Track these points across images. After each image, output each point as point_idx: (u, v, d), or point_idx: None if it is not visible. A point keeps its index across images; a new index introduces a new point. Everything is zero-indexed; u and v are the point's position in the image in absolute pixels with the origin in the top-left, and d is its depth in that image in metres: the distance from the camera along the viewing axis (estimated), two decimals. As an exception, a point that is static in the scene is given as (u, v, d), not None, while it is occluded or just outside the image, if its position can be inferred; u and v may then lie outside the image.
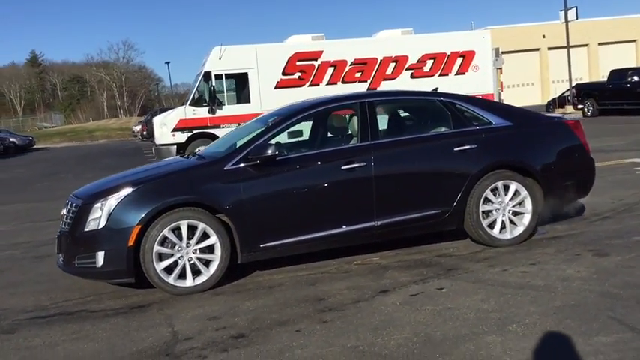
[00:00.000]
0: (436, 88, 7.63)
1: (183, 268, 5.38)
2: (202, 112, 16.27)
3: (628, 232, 6.28)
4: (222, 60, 16.32)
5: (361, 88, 17.16)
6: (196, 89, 16.75)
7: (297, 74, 16.87)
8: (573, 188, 6.56)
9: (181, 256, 5.36)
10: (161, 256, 5.32)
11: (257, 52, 16.70)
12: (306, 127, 6.52)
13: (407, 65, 17.69)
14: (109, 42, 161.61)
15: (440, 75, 17.82)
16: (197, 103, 16.41)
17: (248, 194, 5.50)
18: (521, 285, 4.90)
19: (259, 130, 5.91)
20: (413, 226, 6.00)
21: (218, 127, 16.11)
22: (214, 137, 15.00)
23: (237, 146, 5.80)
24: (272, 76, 16.63)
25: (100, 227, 5.28)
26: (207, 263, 5.44)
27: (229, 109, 16.34)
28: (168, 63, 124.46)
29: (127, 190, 5.38)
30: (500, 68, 18.88)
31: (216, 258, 5.44)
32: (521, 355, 3.63)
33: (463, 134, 6.18)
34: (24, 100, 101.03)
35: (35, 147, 44.30)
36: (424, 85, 17.30)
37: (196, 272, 5.41)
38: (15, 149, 38.93)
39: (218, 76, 16.35)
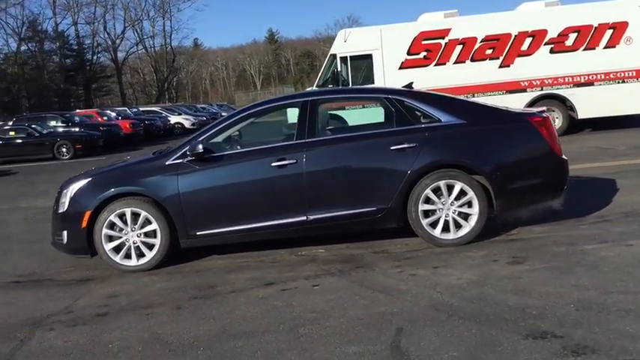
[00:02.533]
0: (410, 83, 7.44)
1: (130, 249, 6.21)
2: (328, 93, 16.90)
3: (590, 240, 5.81)
4: (347, 43, 16.73)
5: (492, 66, 16.46)
6: (322, 71, 17.41)
7: (423, 54, 16.68)
8: (536, 190, 6.19)
9: (127, 239, 6.19)
10: (111, 238, 6.19)
11: (382, 33, 16.83)
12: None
13: (545, 40, 16.52)
14: (335, 17, 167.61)
15: (585, 49, 16.38)
16: (323, 85, 17.05)
17: (184, 187, 6.13)
18: (384, 289, 4.95)
19: (205, 128, 6.50)
20: (347, 222, 6.17)
21: (343, 108, 16.63)
22: (340, 119, 15.60)
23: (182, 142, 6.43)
24: (396, 57, 16.66)
25: (64, 210, 6.30)
26: (151, 247, 6.20)
27: (353, 91, 16.78)
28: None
29: (85, 180, 6.35)
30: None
31: (157, 242, 6.18)
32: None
33: (403, 132, 6.15)
34: (262, 74, 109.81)
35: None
36: (564, 61, 16.20)
37: (141, 254, 6.21)
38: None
39: (343, 59, 16.81)
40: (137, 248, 6.20)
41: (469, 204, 6.05)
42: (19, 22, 63.22)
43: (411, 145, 6.06)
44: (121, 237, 6.18)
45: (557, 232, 6.27)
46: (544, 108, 6.71)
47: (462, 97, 7.79)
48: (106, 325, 4.71)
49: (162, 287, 5.62)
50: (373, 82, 16.73)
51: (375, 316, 4.34)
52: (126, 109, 36.28)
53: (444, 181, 6.04)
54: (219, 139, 6.38)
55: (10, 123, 26.97)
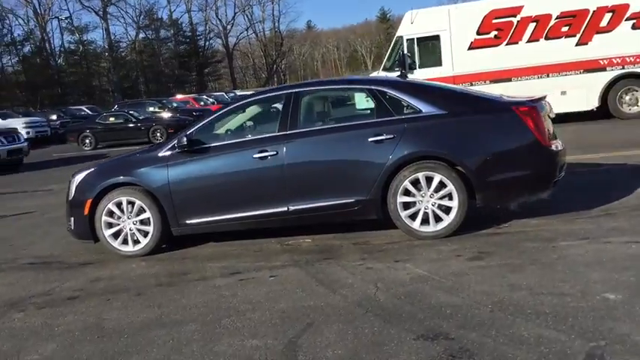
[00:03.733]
0: (404, 74, 7.27)
1: (127, 235, 6.60)
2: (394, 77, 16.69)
3: (572, 236, 5.54)
4: (414, 24, 16.41)
5: (568, 44, 15.56)
6: (389, 54, 17.21)
7: (493, 33, 16.03)
8: (521, 183, 5.96)
9: (124, 226, 6.58)
10: (111, 225, 6.61)
11: (450, 13, 16.35)
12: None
13: (627, 15, 15.41)
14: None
15: (675, 23, 15.17)
16: (390, 68, 16.88)
17: (173, 177, 6.42)
18: (331, 282, 5.00)
19: (196, 121, 6.75)
20: (328, 212, 6.23)
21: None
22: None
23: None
24: (465, 37, 16.14)
25: (71, 198, 6.79)
26: (145, 234, 6.56)
27: (420, 73, 16.40)
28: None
29: (89, 170, 6.80)
30: None
31: (151, 230, 6.53)
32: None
33: (382, 124, 6.09)
34: (373, 54, 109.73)
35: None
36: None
37: (136, 241, 6.58)
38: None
39: (410, 41, 16.53)
40: (133, 235, 6.57)
41: (449, 196, 5.92)
42: (137, 11, 66.69)
43: (389, 136, 6.00)
44: (119, 224, 6.58)
45: (549, 225, 6.01)
46: (534, 96, 6.36)
47: (452, 86, 7.50)
48: (67, 308, 5.09)
49: (142, 273, 5.96)
50: (441, 64, 16.41)
51: (298, 310, 4.42)
52: (223, 94, 37.59)
53: (422, 173, 5.95)
54: (208, 131, 6.60)
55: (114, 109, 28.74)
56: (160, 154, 6.53)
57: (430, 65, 16.61)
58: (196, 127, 6.58)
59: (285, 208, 6.24)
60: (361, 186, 6.08)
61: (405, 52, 16.58)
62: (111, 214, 6.57)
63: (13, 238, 8.32)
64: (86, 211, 6.61)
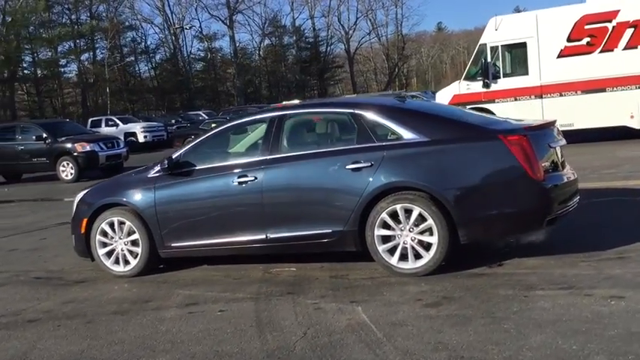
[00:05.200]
0: (403, 96, 6.71)
1: (118, 255, 6.62)
2: (476, 86, 15.78)
3: (556, 284, 4.88)
4: (499, 31, 15.45)
5: (671, 50, 14.10)
6: (471, 63, 16.34)
7: (585, 40, 14.73)
8: (507, 220, 5.34)
9: (116, 246, 6.61)
10: (105, 245, 6.66)
11: (537, 18, 15.22)
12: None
13: None
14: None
15: None
16: (472, 77, 16.03)
17: (159, 199, 6.35)
18: (264, 323, 4.70)
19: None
20: (306, 242, 5.91)
21: (492, 101, 15.51)
22: (489, 112, 14.69)
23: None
24: (554, 44, 14.96)
25: (72, 216, 6.93)
26: (135, 255, 6.55)
27: (505, 83, 15.48)
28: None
29: (86, 190, 6.91)
30: None
31: (139, 251, 6.51)
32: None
33: (361, 150, 5.68)
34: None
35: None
36: None
37: (127, 261, 6.59)
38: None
39: (493, 48, 15.59)
40: (124, 255, 6.58)
41: (429, 231, 5.41)
42: (262, 19, 68.67)
43: (366, 164, 5.58)
44: (111, 244, 6.62)
45: (544, 268, 5.34)
46: (538, 122, 5.67)
47: (442, 110, 6.81)
48: (16, 332, 5.12)
49: (114, 297, 5.93)
50: (527, 73, 15.40)
51: (208, 355, 4.19)
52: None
53: (400, 205, 5.48)
54: (196, 153, 6.46)
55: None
56: (150, 176, 6.49)
57: (515, 74, 15.68)
58: (185, 149, 6.49)
59: (264, 236, 5.99)
60: (338, 216, 5.70)
61: (489, 60, 15.70)
62: (105, 233, 6.62)
63: (47, 248, 8.64)
64: (83, 229, 6.71)
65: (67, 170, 19.17)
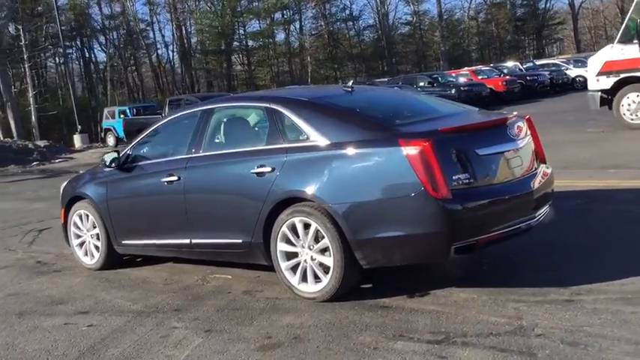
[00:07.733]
0: (351, 85, 5.45)
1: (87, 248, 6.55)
2: (632, 51, 13.07)
3: (437, 333, 3.76)
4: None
5: None
6: (626, 24, 13.54)
7: None
8: (405, 244, 4.23)
9: (85, 238, 6.55)
10: (79, 236, 6.63)
11: None
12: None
13: None
14: None
15: None
16: (628, 41, 13.30)
17: (110, 194, 6.13)
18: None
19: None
20: (222, 251, 5.31)
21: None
22: None
23: None
24: None
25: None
26: (98, 249, 6.43)
27: (668, 48, 12.69)
28: None
29: (67, 180, 6.92)
30: None
31: (100, 246, 6.38)
32: None
33: (267, 153, 4.87)
34: None
35: None
36: None
37: (92, 255, 6.49)
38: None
39: (654, 3, 12.81)
40: (91, 248, 6.49)
41: (329, 251, 4.50)
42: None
43: (268, 169, 4.78)
44: (82, 236, 6.56)
45: (463, 307, 4.16)
46: (448, 127, 4.31)
47: (373, 104, 5.33)
48: None
49: (57, 292, 5.77)
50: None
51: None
52: (517, 64, 34.65)
53: (298, 218, 4.62)
54: (142, 147, 6.11)
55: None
56: (106, 170, 6.28)
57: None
58: (133, 143, 6.16)
59: (188, 241, 5.49)
60: (245, 225, 4.99)
61: (647, 16, 12.99)
62: (77, 225, 6.58)
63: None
64: (62, 219, 6.76)
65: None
